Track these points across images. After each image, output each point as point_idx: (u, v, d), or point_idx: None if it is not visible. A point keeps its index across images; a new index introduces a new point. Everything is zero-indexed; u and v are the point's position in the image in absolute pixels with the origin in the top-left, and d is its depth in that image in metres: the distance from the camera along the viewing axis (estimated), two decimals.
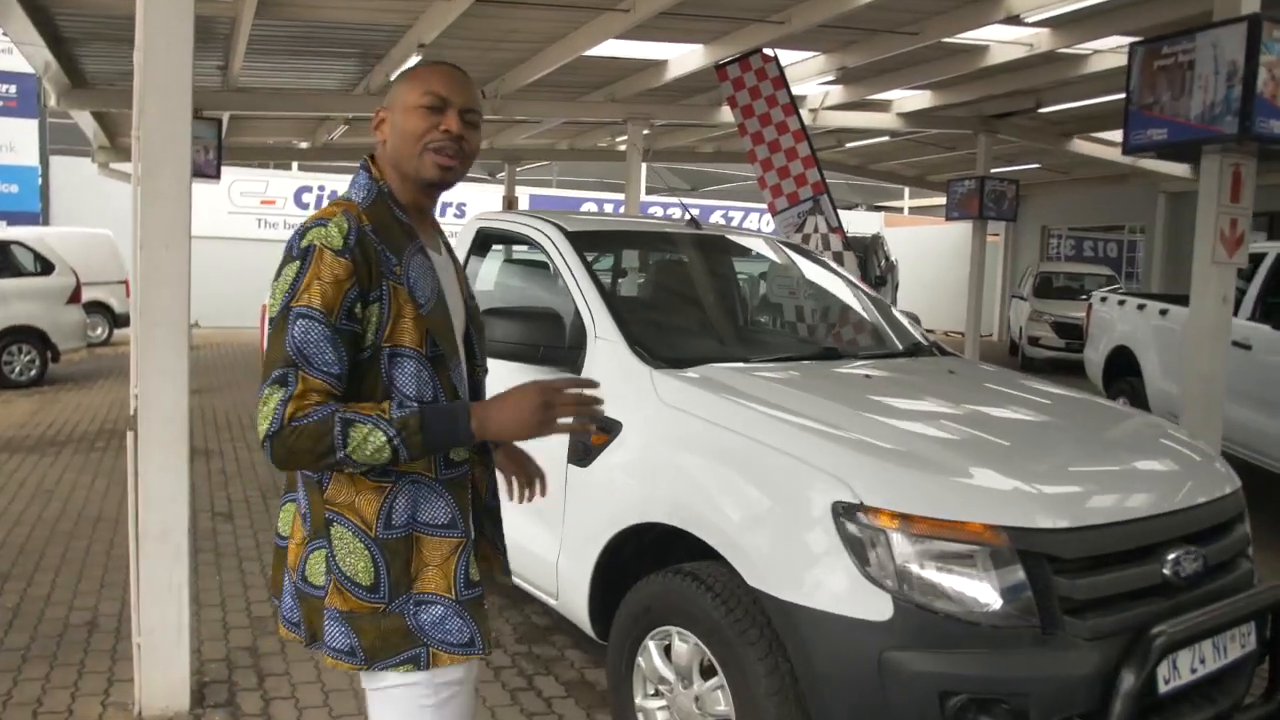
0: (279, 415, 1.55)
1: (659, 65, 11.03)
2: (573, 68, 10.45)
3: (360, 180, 1.78)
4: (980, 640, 2.23)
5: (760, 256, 4.34)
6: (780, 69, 9.37)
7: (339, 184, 20.75)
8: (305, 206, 20.43)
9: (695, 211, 4.00)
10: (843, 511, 2.32)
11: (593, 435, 3.00)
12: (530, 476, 2.14)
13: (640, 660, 2.81)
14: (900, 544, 2.27)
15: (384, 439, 1.57)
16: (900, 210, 28.95)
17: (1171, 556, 2.46)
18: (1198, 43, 5.10)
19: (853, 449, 2.47)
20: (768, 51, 9.37)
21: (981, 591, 2.25)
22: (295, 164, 21.30)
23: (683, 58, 10.60)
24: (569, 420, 1.72)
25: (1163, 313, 7.66)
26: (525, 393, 1.66)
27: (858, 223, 21.65)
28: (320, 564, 1.70)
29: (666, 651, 2.73)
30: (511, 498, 2.11)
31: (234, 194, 19.49)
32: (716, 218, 20.94)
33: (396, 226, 1.73)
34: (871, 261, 17.15)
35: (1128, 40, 10.14)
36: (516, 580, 3.48)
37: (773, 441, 2.54)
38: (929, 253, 23.96)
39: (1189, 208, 18.36)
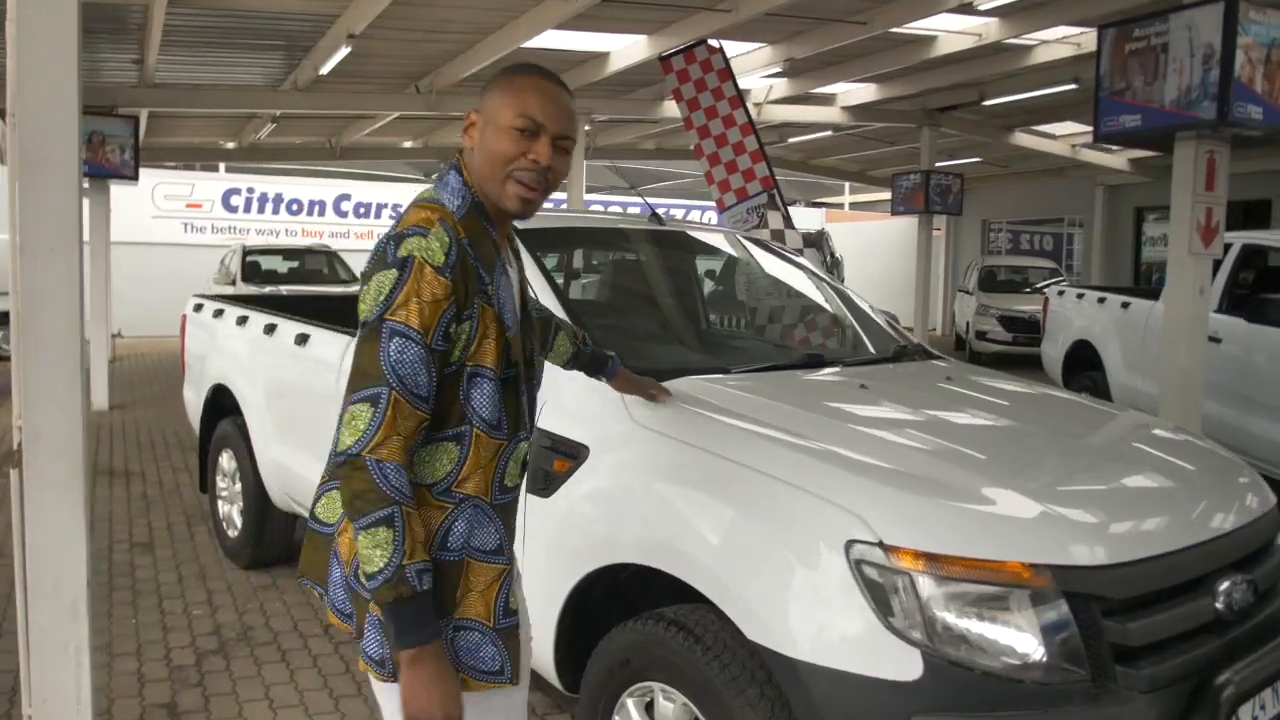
0: (366, 439, 1.54)
1: (600, 58, 10.67)
2: (510, 61, 10.02)
3: (453, 184, 1.70)
4: (1024, 700, 1.90)
5: (729, 255, 3.99)
6: (726, 60, 9.09)
7: (269, 186, 20.04)
8: (233, 210, 19.68)
9: (662, 211, 3.63)
10: (859, 552, 1.98)
11: (555, 461, 2.64)
12: (651, 388, 2.45)
13: (617, 719, 2.45)
14: (929, 589, 1.93)
15: (378, 571, 1.53)
16: (841, 206, 28.93)
17: (1223, 587, 2.17)
18: (1171, 25, 4.89)
19: (865, 476, 2.13)
20: (713, 43, 9.08)
21: (1024, 642, 1.93)
22: (222, 165, 20.50)
23: (625, 49, 10.26)
24: None
25: (1125, 306, 7.51)
26: (452, 702, 1.57)
27: (799, 219, 21.48)
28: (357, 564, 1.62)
29: (648, 709, 2.37)
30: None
31: (157, 197, 18.67)
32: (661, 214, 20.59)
33: (489, 241, 1.68)
34: (817, 258, 17.01)
35: (1075, 30, 10.10)
36: None
37: (770, 469, 2.19)
38: (873, 248, 23.95)
39: (1126, 199, 18.63)
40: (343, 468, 1.55)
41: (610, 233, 3.67)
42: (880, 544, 1.97)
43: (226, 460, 4.92)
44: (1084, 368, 8.03)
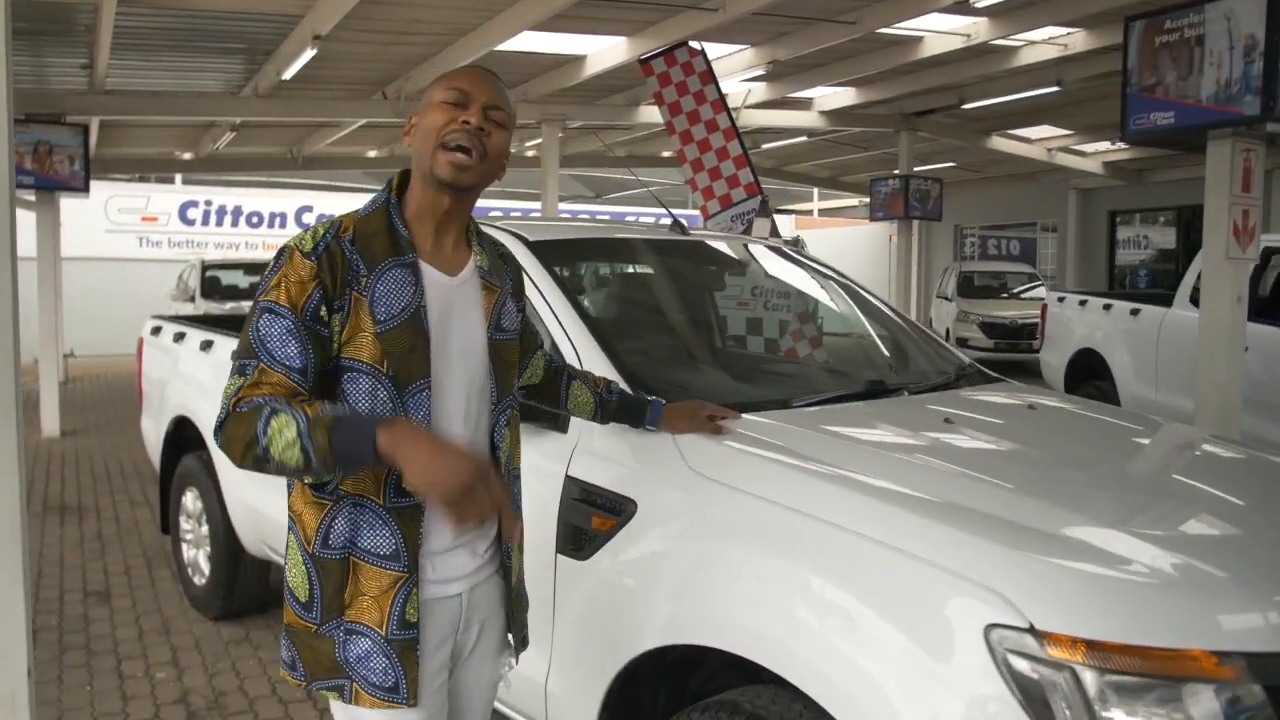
0: (226, 404, 1.56)
1: (577, 61, 10.29)
2: (484, 64, 9.62)
3: (378, 193, 1.75)
4: None
5: (763, 268, 3.58)
6: (708, 63, 8.75)
7: (229, 199, 19.43)
8: (191, 223, 19.05)
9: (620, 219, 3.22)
10: (1004, 639, 1.59)
11: (594, 518, 2.22)
12: (714, 418, 2.19)
13: None
14: (1095, 686, 1.54)
15: (294, 433, 1.49)
16: (810, 212, 28.74)
17: None
18: (1207, 15, 4.58)
19: (997, 540, 1.74)
20: (695, 45, 8.74)
21: None
22: (179, 177, 19.82)
23: (603, 52, 9.89)
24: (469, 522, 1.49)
25: (1134, 313, 7.22)
26: (458, 459, 1.47)
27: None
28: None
29: None
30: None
31: (111, 210, 18.02)
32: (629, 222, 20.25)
33: (384, 238, 1.67)
34: None
35: (1063, 31, 9.89)
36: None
37: (876, 532, 1.79)
38: (845, 254, 23.70)
39: (1099, 203, 18.55)
40: (221, 440, 1.56)
41: (631, 244, 3.24)
42: (1031, 629, 1.58)
43: (191, 500, 4.45)
44: (1089, 377, 7.75)
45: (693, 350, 3.00)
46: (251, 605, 4.37)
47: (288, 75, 9.11)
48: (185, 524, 4.56)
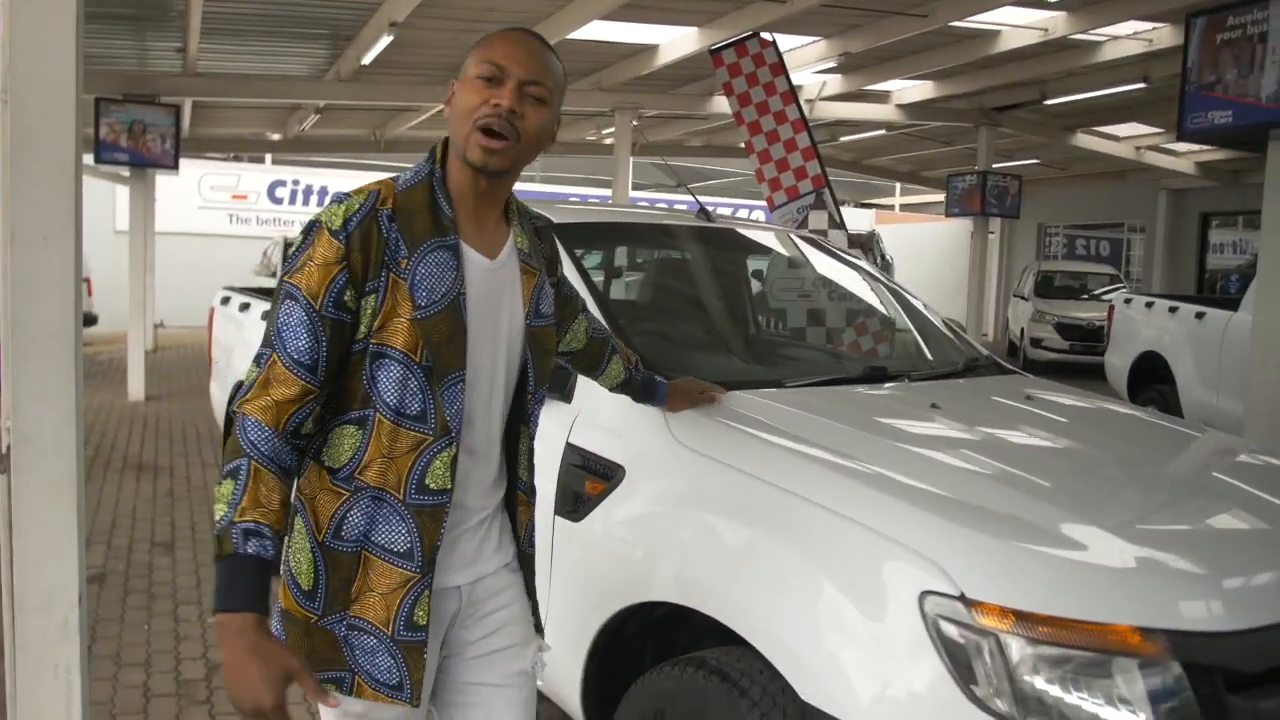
0: (242, 394, 1.51)
1: (649, 50, 10.41)
2: (557, 51, 9.80)
3: (419, 164, 1.63)
4: None
5: (781, 254, 3.68)
6: (779, 54, 8.77)
7: (314, 179, 20.06)
8: (279, 202, 19.72)
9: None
10: (936, 606, 1.68)
11: (588, 482, 2.37)
12: (707, 393, 2.31)
13: None
14: (1018, 653, 1.63)
15: (217, 517, 1.43)
16: (891, 207, 28.39)
17: None
18: (1271, 11, 4.50)
19: (942, 515, 1.83)
20: (766, 36, 8.77)
21: (1128, 719, 1.62)
22: (269, 157, 20.54)
23: (675, 42, 9.99)
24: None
25: (1199, 316, 7.08)
26: (257, 685, 1.36)
27: (849, 219, 21.11)
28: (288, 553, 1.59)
29: None
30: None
31: (204, 188, 18.76)
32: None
33: (426, 216, 1.56)
34: (868, 259, 16.60)
35: (1148, 25, 9.65)
36: None
37: (832, 503, 1.89)
38: (923, 250, 23.43)
39: (1191, 205, 17.97)
40: (226, 429, 1.50)
41: (653, 229, 3.38)
42: (962, 598, 1.67)
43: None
44: (1151, 380, 7.61)
45: (702, 333, 3.11)
46: None
47: (366, 60, 9.44)
48: None
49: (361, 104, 12.77)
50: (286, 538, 1.56)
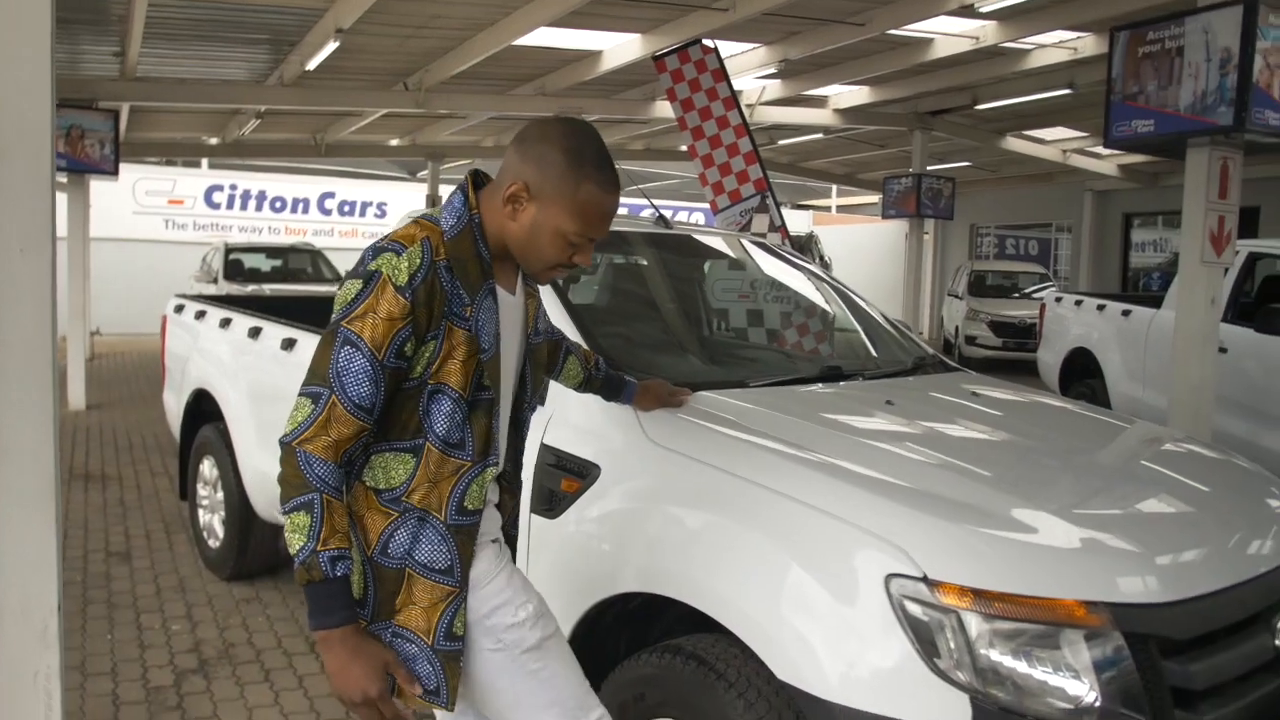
0: (300, 431, 1.60)
1: (593, 56, 10.52)
2: (501, 58, 9.88)
3: (456, 204, 1.71)
4: None
5: (738, 260, 3.82)
6: (720, 61, 8.94)
7: (252, 183, 19.78)
8: (216, 206, 19.40)
9: (640, 212, 3.46)
10: (901, 587, 1.82)
11: (563, 480, 2.47)
12: (674, 394, 2.42)
13: None
14: (977, 628, 1.78)
15: (296, 548, 1.60)
16: (828, 208, 28.86)
17: None
18: (1187, 28, 4.77)
19: (904, 503, 1.98)
20: (707, 42, 8.94)
21: (1076, 685, 1.78)
22: (205, 161, 20.20)
23: (618, 48, 10.12)
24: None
25: (1125, 314, 7.40)
26: (368, 679, 1.61)
27: (787, 221, 21.45)
28: None
29: None
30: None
31: (139, 193, 18.38)
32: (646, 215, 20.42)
33: (475, 264, 1.68)
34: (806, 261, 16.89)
35: (1072, 35, 10.02)
36: None
37: (801, 494, 2.03)
38: (860, 251, 23.86)
39: (1114, 205, 18.61)
40: (282, 452, 1.63)
41: (613, 236, 3.49)
42: (924, 579, 1.81)
43: (208, 468, 4.73)
44: (1081, 376, 7.93)
45: (665, 336, 3.24)
46: (262, 567, 4.65)
47: (311, 66, 9.39)
48: (202, 490, 4.85)
49: (304, 109, 12.67)
50: None
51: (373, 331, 1.60)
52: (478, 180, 1.77)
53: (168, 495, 6.24)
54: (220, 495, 4.60)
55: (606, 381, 2.38)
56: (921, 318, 20.79)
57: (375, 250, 1.65)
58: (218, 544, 4.69)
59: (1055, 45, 10.29)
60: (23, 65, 2.55)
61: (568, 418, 2.54)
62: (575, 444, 2.47)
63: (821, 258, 18.17)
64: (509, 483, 1.96)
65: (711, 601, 2.05)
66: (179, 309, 5.28)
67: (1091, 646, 1.79)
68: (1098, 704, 1.77)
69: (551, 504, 2.49)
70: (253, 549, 4.54)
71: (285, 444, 1.62)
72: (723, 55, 9.01)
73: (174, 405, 5.12)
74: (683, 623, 2.29)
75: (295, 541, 1.60)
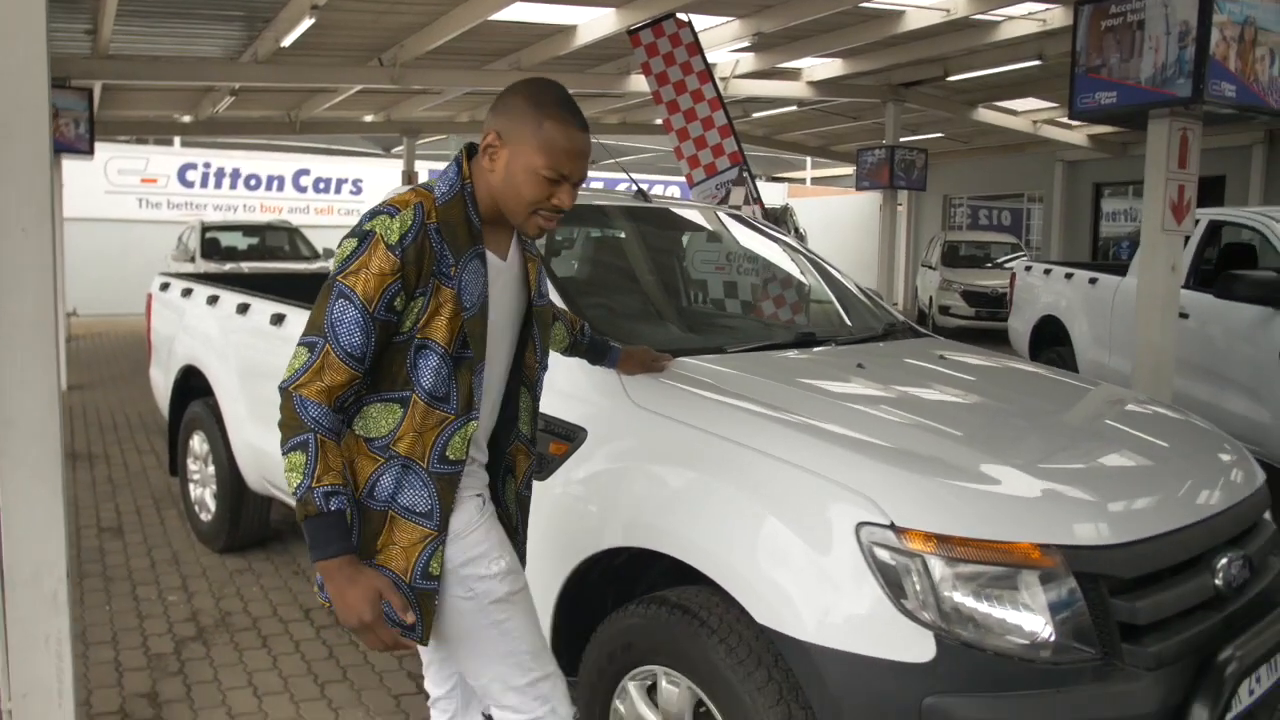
0: (296, 376, 1.73)
1: (567, 31, 10.56)
2: (476, 33, 9.90)
3: (449, 173, 1.85)
4: (1036, 679, 1.91)
5: (716, 232, 3.94)
6: (695, 34, 9.01)
7: (227, 161, 19.65)
8: (190, 185, 19.26)
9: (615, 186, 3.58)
10: (871, 534, 1.97)
11: (551, 444, 2.60)
12: (655, 359, 2.55)
13: (618, 703, 2.43)
14: (940, 571, 1.93)
15: (294, 484, 1.72)
16: (803, 181, 28.96)
17: (1220, 564, 2.19)
18: (1148, 1, 4.89)
19: (873, 457, 2.12)
20: (682, 16, 9.00)
21: (1032, 622, 1.93)
22: (178, 139, 20.03)
23: (593, 23, 10.16)
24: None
25: (1092, 281, 7.58)
26: (365, 605, 1.74)
27: (763, 193, 21.55)
28: None
29: (650, 693, 2.36)
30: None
31: (111, 172, 18.22)
32: (621, 190, 20.46)
33: (464, 228, 1.81)
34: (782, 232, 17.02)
35: (1041, 7, 10.16)
36: None
37: (777, 450, 2.16)
38: (835, 222, 24.02)
39: (1084, 175, 18.84)
40: (281, 399, 1.75)
41: (595, 210, 3.61)
42: (892, 526, 1.96)
43: (198, 443, 4.82)
44: (1050, 343, 8.11)
45: (646, 305, 3.36)
46: (254, 539, 4.76)
47: (286, 42, 9.39)
48: (192, 465, 4.94)
49: (279, 86, 12.63)
50: None
51: (364, 286, 1.71)
52: (472, 153, 1.88)
53: (155, 472, 6.32)
54: (211, 469, 4.69)
55: (591, 346, 2.51)
56: (896, 288, 21.06)
57: (372, 213, 1.78)
58: (210, 517, 4.79)
59: (1024, 17, 10.42)
60: (17, 50, 2.63)
61: (555, 384, 2.65)
62: (562, 409, 2.59)
63: (796, 230, 18.30)
64: (525, 443, 2.08)
65: (694, 553, 2.19)
66: (164, 287, 5.35)
67: (1046, 586, 1.94)
68: (1052, 639, 1.93)
69: (541, 466, 2.60)
70: (245, 521, 4.64)
71: (283, 389, 1.74)
72: (697, 29, 9.10)
73: (161, 382, 5.20)
74: (666, 577, 2.43)
75: (293, 479, 1.71)
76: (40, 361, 2.70)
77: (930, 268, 16.55)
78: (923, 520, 1.96)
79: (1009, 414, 2.64)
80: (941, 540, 1.94)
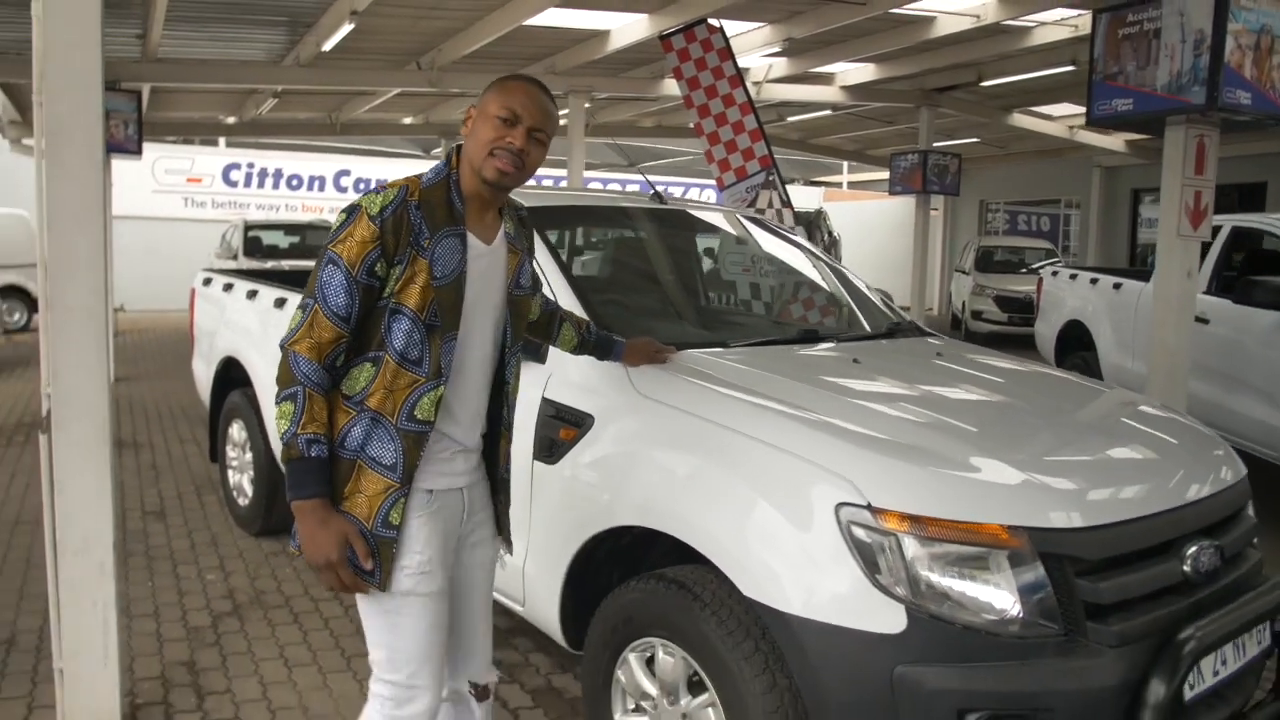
0: (290, 334, 1.93)
1: (601, 36, 10.73)
2: (512, 38, 10.10)
3: (438, 165, 2.06)
4: (1001, 652, 2.04)
5: (728, 233, 4.10)
6: (726, 40, 9.16)
7: (270, 161, 20.08)
8: (233, 184, 19.71)
9: (664, 189, 3.75)
10: (849, 514, 2.11)
11: (561, 430, 2.77)
12: (659, 350, 2.74)
13: (620, 673, 2.59)
14: (912, 549, 2.07)
15: (282, 429, 1.92)
16: (839, 185, 28.96)
17: (1190, 551, 2.31)
18: (1164, 10, 4.98)
19: (855, 444, 2.26)
20: (713, 22, 9.15)
21: (1000, 598, 2.06)
22: (223, 140, 20.51)
23: (625, 28, 10.32)
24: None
25: (1116, 287, 7.62)
26: (330, 546, 1.91)
27: (797, 197, 21.56)
28: None
29: (649, 664, 2.52)
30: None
31: (158, 172, 18.71)
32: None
33: (444, 208, 1.99)
34: (815, 236, 17.08)
35: (1073, 12, 10.17)
36: None
37: (766, 436, 2.32)
38: (870, 227, 24.00)
39: (1123, 181, 18.70)
40: (281, 354, 1.95)
41: (612, 210, 3.78)
42: (868, 506, 2.10)
43: (237, 431, 5.05)
44: (1076, 348, 8.15)
45: (656, 302, 3.52)
46: (288, 523, 4.92)
47: (327, 47, 9.66)
48: (231, 452, 5.17)
49: (320, 88, 12.94)
50: None
51: (349, 252, 1.91)
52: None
53: (196, 460, 6.58)
54: (249, 456, 4.91)
55: (599, 343, 2.69)
56: (930, 293, 21.02)
57: (363, 193, 1.99)
58: (247, 502, 5.01)
59: (1056, 23, 10.43)
60: (75, 59, 2.86)
61: (566, 375, 2.83)
62: (572, 397, 2.76)
63: (830, 234, 18.33)
64: (507, 427, 2.21)
65: (688, 530, 2.35)
66: (207, 282, 5.59)
67: (1013, 565, 2.08)
68: (1019, 615, 2.06)
69: (551, 451, 2.78)
70: (280, 506, 4.85)
71: (282, 345, 1.93)
72: (728, 34, 9.24)
73: (203, 373, 5.44)
74: (668, 557, 2.59)
75: (281, 426, 1.90)
76: (92, 348, 2.92)
77: (964, 273, 16.53)
78: (897, 501, 2.10)
79: (993, 406, 2.77)
80: (914, 520, 2.08)
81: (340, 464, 1.97)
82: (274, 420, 1.92)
